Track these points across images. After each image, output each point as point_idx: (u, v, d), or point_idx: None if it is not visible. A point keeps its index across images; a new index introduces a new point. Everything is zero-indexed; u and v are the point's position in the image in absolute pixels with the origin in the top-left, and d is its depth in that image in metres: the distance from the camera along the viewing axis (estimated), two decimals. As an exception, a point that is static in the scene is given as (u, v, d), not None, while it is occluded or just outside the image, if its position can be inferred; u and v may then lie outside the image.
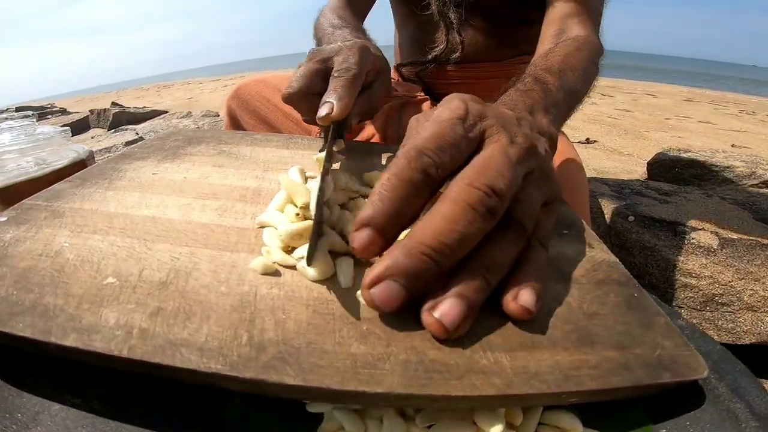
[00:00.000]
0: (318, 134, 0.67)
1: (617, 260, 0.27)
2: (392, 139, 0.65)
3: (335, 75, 0.36)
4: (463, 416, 0.18)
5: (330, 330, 0.19)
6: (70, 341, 0.17)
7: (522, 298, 0.20)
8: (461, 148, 0.21)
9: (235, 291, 0.21)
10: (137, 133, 2.10)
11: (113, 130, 2.38)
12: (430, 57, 0.67)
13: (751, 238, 0.78)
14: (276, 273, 0.22)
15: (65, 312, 0.18)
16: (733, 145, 2.44)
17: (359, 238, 0.19)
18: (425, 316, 0.18)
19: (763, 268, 0.75)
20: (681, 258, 0.79)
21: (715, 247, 0.79)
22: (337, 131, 0.35)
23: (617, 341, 0.21)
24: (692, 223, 0.85)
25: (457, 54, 0.65)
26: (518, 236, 0.21)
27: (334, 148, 0.33)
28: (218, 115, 2.52)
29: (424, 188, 0.20)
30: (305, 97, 0.38)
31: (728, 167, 1.23)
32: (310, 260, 0.20)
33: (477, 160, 0.21)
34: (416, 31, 0.71)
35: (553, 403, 0.18)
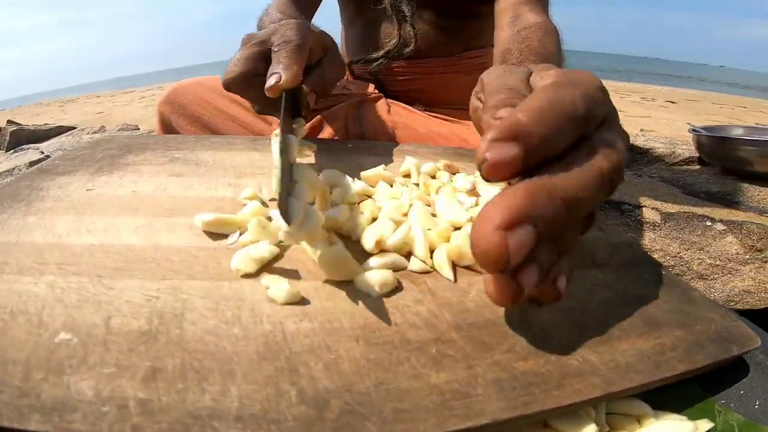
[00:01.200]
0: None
1: (631, 240, 0.28)
2: (354, 136, 0.62)
3: (276, 50, 0.34)
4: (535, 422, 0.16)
5: (396, 362, 0.15)
6: (34, 425, 0.11)
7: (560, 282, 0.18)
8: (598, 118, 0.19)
9: (255, 332, 0.16)
10: (42, 152, 1.83)
11: (12, 151, 2.07)
12: (382, 52, 0.66)
13: (687, 210, 0.85)
14: (301, 301, 0.17)
15: (9, 385, 0.12)
16: (642, 129, 2.71)
17: (501, 150, 0.15)
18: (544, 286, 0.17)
19: (704, 237, 0.81)
20: (633, 234, 0.83)
21: (659, 221, 0.85)
22: (292, 109, 0.32)
23: (678, 320, 0.21)
24: (633, 201, 0.91)
25: (410, 48, 0.65)
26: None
27: (297, 129, 0.31)
28: (138, 128, 2.30)
29: (576, 133, 0.17)
30: (249, 81, 0.34)
31: (650, 149, 1.34)
32: (285, 215, 0.17)
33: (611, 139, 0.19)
34: (365, 28, 0.70)
35: (643, 390, 0.18)
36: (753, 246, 0.79)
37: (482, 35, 0.70)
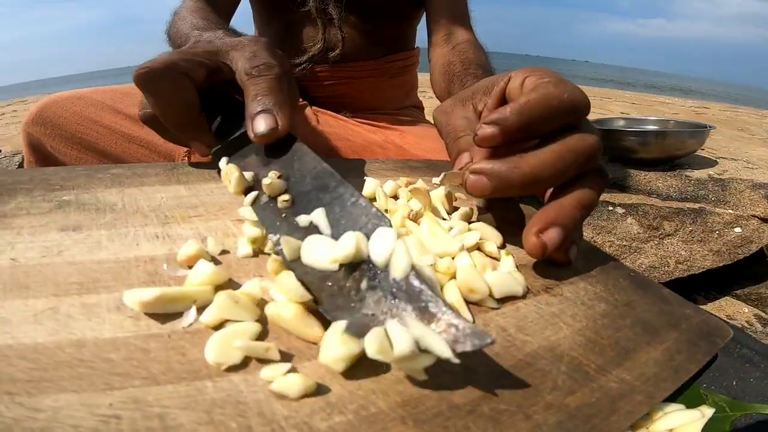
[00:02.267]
0: (183, 157, 0.53)
1: (593, 245, 0.29)
2: None
3: (253, 74, 0.27)
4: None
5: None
6: None
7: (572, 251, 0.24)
8: None
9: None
10: None
11: None
12: (305, 57, 0.62)
13: (593, 197, 0.95)
14: (319, 390, 0.13)
15: None
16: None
17: (486, 132, 0.22)
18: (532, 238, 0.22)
19: (609, 221, 0.90)
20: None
21: (572, 210, 0.93)
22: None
23: (667, 322, 0.22)
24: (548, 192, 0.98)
25: (337, 52, 0.63)
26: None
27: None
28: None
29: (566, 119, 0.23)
30: (191, 112, 0.28)
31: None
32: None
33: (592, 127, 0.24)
34: (284, 32, 0.65)
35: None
36: (650, 225, 0.90)
37: (407, 38, 0.69)
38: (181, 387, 0.13)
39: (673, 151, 1.03)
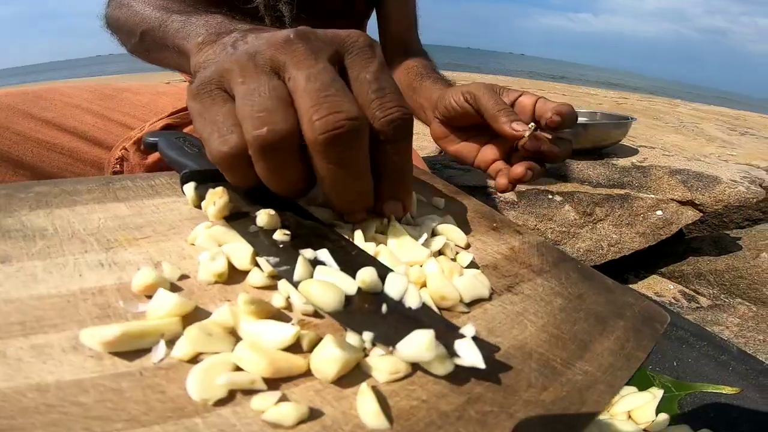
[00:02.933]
0: (114, 165, 0.49)
1: (541, 238, 0.30)
2: None
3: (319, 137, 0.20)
4: None
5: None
6: None
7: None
8: None
9: None
10: None
11: None
12: None
13: (533, 187, 1.00)
14: (313, 414, 0.13)
15: None
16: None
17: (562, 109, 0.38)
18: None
19: (550, 209, 0.96)
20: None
21: (516, 200, 0.97)
22: None
23: (613, 311, 0.24)
24: (491, 184, 1.02)
25: None
26: None
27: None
28: None
29: None
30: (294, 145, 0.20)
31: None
32: None
33: None
34: None
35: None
36: (584, 211, 0.97)
37: None
38: (169, 426, 0.12)
39: (600, 141, 1.11)
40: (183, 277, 0.18)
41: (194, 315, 0.16)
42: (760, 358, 0.31)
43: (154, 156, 0.48)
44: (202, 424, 0.12)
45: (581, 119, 1.28)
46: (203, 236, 0.21)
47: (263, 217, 0.21)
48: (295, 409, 0.13)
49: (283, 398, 0.13)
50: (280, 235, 0.20)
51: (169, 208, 0.25)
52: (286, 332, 0.15)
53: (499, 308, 0.21)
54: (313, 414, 0.13)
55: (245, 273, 0.19)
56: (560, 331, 0.21)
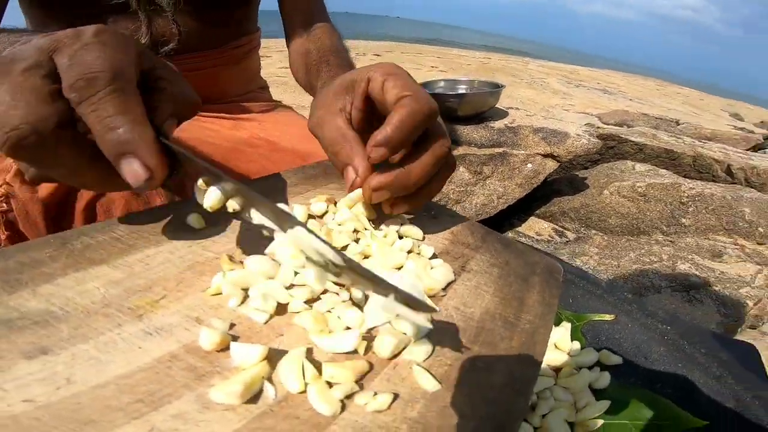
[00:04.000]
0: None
1: (466, 217, 0.37)
2: None
3: (74, 98, 0.21)
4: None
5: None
6: None
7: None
8: None
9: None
10: None
11: None
12: None
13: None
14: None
15: None
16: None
17: (378, 153, 0.28)
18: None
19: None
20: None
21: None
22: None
23: (530, 271, 0.30)
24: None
25: (171, 46, 0.55)
26: None
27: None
28: None
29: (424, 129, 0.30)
30: (58, 136, 0.21)
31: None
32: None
33: (442, 129, 0.33)
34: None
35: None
36: (475, 171, 1.12)
37: (249, 21, 0.65)
38: None
39: (479, 108, 1.26)
40: (231, 325, 0.21)
41: (270, 354, 0.19)
42: (616, 281, 0.44)
43: (48, 188, 0.42)
44: (338, 428, 0.16)
45: (461, 89, 1.42)
46: (227, 285, 0.23)
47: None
48: (387, 397, 0.18)
49: (371, 391, 0.18)
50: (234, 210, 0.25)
51: (157, 261, 0.25)
52: (352, 339, 0.20)
53: (462, 286, 0.28)
54: (395, 396, 0.18)
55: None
56: (504, 293, 0.28)
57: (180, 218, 0.28)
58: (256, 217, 0.25)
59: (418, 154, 0.29)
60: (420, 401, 0.18)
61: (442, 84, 1.40)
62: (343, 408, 0.17)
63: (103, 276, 0.23)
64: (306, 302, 0.23)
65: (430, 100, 0.29)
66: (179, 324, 0.20)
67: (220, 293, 0.23)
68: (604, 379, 0.33)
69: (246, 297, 0.23)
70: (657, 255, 0.97)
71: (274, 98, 0.73)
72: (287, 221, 0.23)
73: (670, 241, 1.10)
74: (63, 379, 0.16)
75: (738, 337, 0.79)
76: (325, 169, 0.42)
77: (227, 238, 0.28)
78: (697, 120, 2.50)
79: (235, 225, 0.29)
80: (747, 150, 2.06)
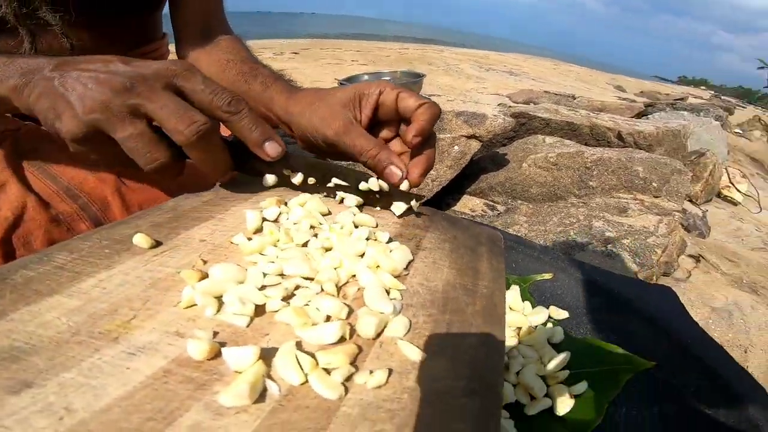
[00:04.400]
0: None
1: (436, 210, 0.40)
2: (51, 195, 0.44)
3: (232, 110, 0.33)
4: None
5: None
6: None
7: None
8: None
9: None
10: None
11: None
12: None
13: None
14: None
15: None
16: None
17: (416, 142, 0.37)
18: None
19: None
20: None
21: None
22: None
23: (475, 242, 0.34)
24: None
25: None
26: None
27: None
28: None
29: None
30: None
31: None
32: None
33: None
34: None
35: None
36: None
37: (154, 28, 0.60)
38: (338, 420, 0.17)
39: (404, 96, 1.30)
40: (214, 333, 0.21)
41: (263, 354, 0.19)
42: (547, 244, 0.49)
43: None
44: (348, 408, 0.17)
45: (385, 79, 1.45)
46: (199, 296, 0.22)
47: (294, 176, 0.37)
48: (382, 372, 0.19)
49: (366, 370, 0.19)
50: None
51: (114, 284, 0.24)
52: (336, 328, 0.21)
53: (421, 263, 0.30)
54: (390, 371, 0.20)
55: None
56: (459, 265, 0.30)
57: (122, 241, 0.27)
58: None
59: (428, 141, 0.38)
60: (412, 371, 0.20)
61: (366, 78, 1.42)
62: (346, 390, 0.18)
63: (59, 306, 0.22)
64: (283, 299, 0.23)
65: (437, 104, 0.38)
66: (160, 340, 0.20)
67: (194, 305, 0.23)
68: (559, 334, 0.37)
69: (221, 304, 0.23)
70: (575, 216, 1.09)
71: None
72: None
73: (583, 203, 1.24)
74: (62, 409, 0.16)
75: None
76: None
77: (181, 253, 0.27)
78: (589, 94, 2.80)
79: (187, 238, 0.29)
80: (632, 117, 2.36)
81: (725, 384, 0.34)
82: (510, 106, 1.78)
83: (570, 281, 0.43)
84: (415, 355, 0.21)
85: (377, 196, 0.36)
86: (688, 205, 1.73)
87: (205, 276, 0.24)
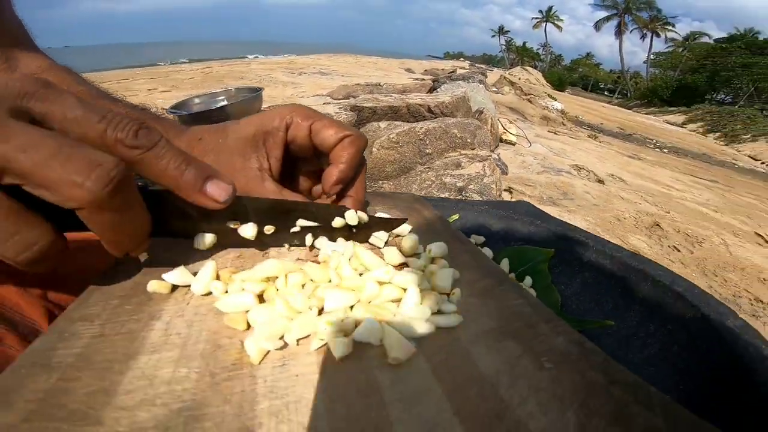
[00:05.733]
0: None
1: (409, 193, 0.47)
2: None
3: (145, 144, 0.21)
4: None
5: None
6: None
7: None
8: None
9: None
10: None
11: None
12: None
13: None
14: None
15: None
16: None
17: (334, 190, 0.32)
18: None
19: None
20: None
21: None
22: None
23: (405, 202, 0.43)
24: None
25: None
26: None
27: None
28: None
29: None
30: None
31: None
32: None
33: None
34: None
35: None
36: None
37: None
38: (350, 364, 0.21)
39: (246, 114, 1.29)
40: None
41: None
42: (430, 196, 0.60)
43: None
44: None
45: (220, 101, 1.38)
46: (180, 322, 0.23)
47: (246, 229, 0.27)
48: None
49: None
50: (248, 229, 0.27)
51: (94, 350, 0.21)
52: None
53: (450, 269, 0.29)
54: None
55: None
56: (418, 220, 0.38)
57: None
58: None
59: (355, 177, 0.33)
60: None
61: (197, 101, 1.33)
62: (353, 357, 0.21)
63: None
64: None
65: (362, 134, 0.32)
66: (178, 372, 0.23)
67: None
68: (489, 253, 0.49)
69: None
70: (429, 179, 1.30)
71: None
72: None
73: (429, 168, 1.47)
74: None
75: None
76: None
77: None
78: (390, 80, 3.19)
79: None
80: (427, 93, 2.82)
81: (605, 251, 0.51)
82: (338, 102, 1.93)
83: (471, 214, 0.56)
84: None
85: (353, 230, 0.31)
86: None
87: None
